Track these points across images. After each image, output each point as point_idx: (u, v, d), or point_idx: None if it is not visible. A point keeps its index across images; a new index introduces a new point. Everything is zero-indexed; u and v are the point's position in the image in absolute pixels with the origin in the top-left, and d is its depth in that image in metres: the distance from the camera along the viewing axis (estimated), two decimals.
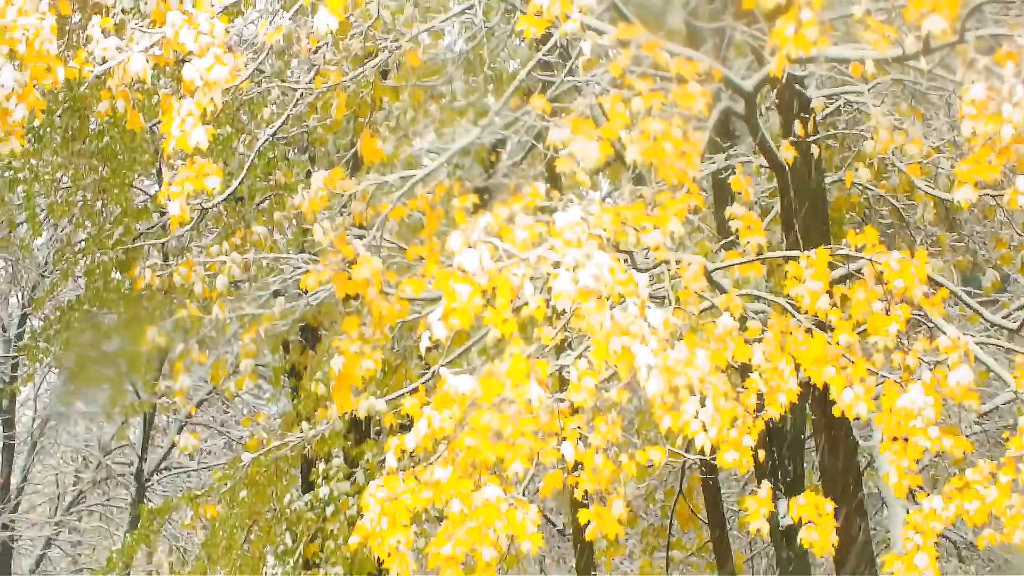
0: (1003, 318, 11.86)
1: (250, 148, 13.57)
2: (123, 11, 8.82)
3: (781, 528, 11.72)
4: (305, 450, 14.11)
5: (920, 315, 9.23)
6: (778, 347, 8.63)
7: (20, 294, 26.83)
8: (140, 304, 15.11)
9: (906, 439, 8.44)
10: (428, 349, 8.05)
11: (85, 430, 30.34)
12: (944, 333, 8.81)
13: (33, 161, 14.72)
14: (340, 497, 14.65)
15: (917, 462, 8.55)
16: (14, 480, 28.25)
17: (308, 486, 15.36)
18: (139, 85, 8.73)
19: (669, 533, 16.39)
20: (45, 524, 29.64)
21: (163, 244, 15.06)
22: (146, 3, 8.84)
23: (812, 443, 12.41)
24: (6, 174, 15.10)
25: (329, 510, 14.65)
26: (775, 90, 11.28)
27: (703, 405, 8.09)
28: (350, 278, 9.59)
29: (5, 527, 27.69)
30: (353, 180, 10.30)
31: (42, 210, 16.38)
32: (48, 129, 14.26)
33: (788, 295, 8.83)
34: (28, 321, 25.97)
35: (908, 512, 8.86)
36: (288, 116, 12.07)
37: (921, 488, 8.91)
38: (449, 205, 9.64)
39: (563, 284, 7.74)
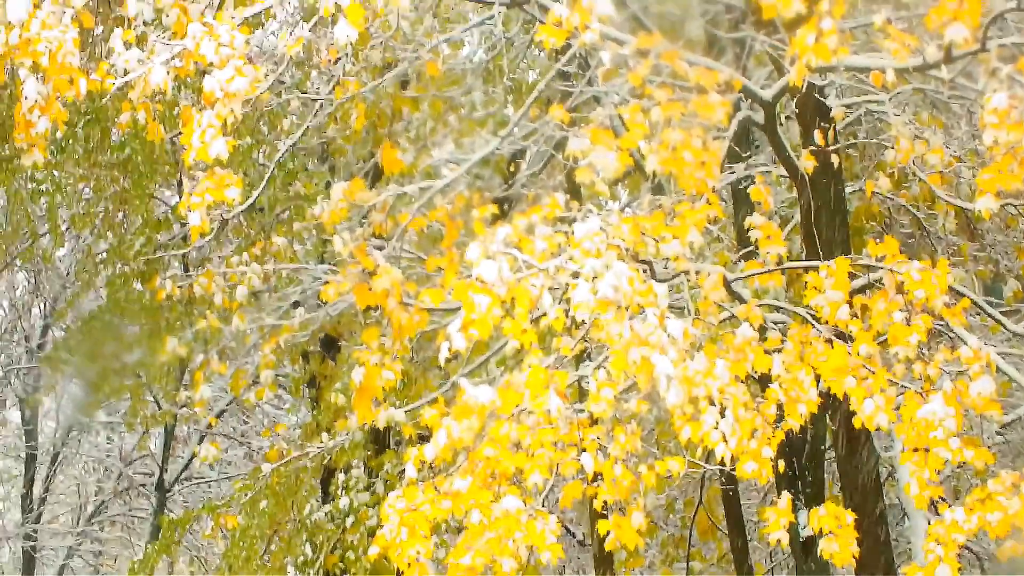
0: None
1: (270, 159, 13.59)
2: (144, 23, 8.82)
3: (801, 539, 11.70)
4: (325, 461, 14.13)
5: (941, 325, 9.20)
6: (798, 357, 8.60)
7: (42, 305, 26.92)
8: (161, 315, 15.12)
9: (927, 450, 8.40)
10: (447, 360, 8.05)
11: (106, 440, 30.40)
12: (966, 343, 8.76)
13: (55, 172, 14.76)
14: (360, 508, 14.67)
15: (938, 473, 8.50)
16: (37, 490, 28.32)
17: (328, 497, 15.37)
18: (160, 97, 8.75)
19: (689, 544, 16.36)
20: (67, 534, 29.69)
21: (183, 255, 15.09)
22: (167, 15, 8.84)
23: (832, 454, 12.37)
24: (29, 185, 15.15)
25: (349, 521, 14.67)
26: (795, 99, 11.26)
27: (723, 416, 8.08)
28: (370, 289, 9.60)
29: (28, 537, 27.76)
30: (373, 191, 10.31)
31: (64, 221, 16.43)
32: (70, 141, 14.30)
33: (808, 305, 8.80)
34: (50, 331, 26.06)
35: (930, 523, 8.82)
36: (308, 127, 12.09)
37: (943, 499, 8.86)
38: (468, 216, 9.64)
39: (582, 295, 7.74)
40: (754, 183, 9.98)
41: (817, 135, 10.54)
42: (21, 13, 8.00)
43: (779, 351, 8.65)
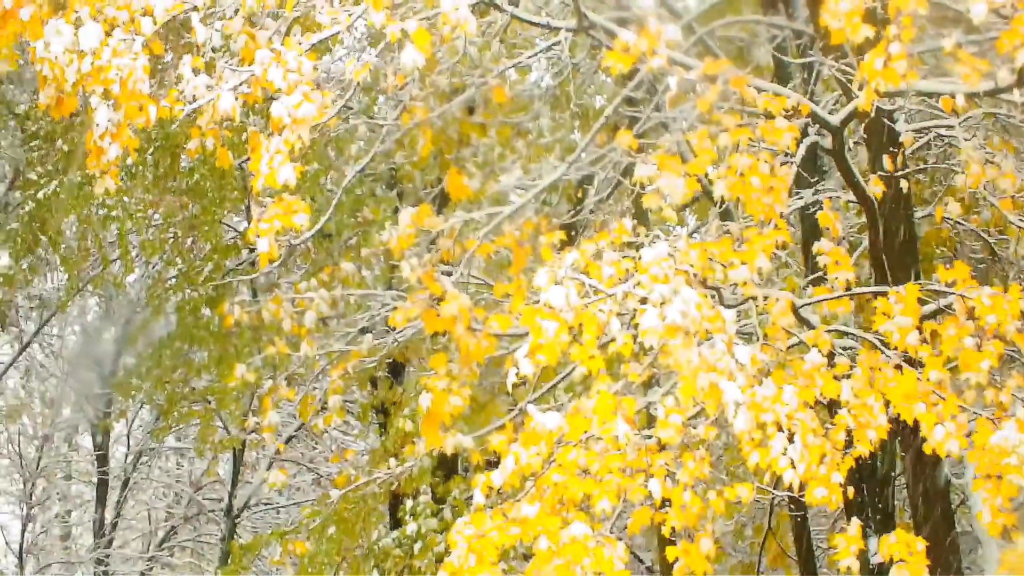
0: None
1: (338, 185, 13.65)
2: (213, 50, 8.89)
3: (872, 566, 11.58)
4: (393, 487, 14.12)
5: (1013, 351, 9.11)
6: (867, 383, 8.53)
7: (113, 330, 27.13)
8: (229, 340, 15.22)
9: (1000, 477, 8.31)
10: (515, 386, 8.04)
11: (176, 466, 30.59)
12: None
13: (126, 199, 14.90)
14: (428, 534, 14.66)
15: (1011, 500, 8.42)
16: (108, 515, 28.53)
17: (396, 523, 15.38)
18: (228, 123, 8.81)
19: (758, 570, 16.26)
20: (138, 559, 29.87)
21: (252, 280, 15.17)
22: (235, 42, 8.92)
23: (902, 480, 12.26)
24: (100, 212, 15.30)
25: (417, 547, 14.66)
26: (863, 124, 11.20)
27: (791, 441, 8.02)
28: (438, 315, 9.61)
29: (100, 562, 27.96)
30: (440, 217, 10.33)
31: (134, 247, 16.58)
32: (140, 167, 14.43)
33: (877, 331, 8.73)
34: (121, 357, 26.26)
35: (1002, 551, 8.73)
36: (375, 153, 12.13)
37: (1016, 527, 8.76)
38: (536, 242, 9.65)
39: (650, 320, 7.72)
40: (822, 208, 9.93)
41: (886, 160, 10.48)
42: (93, 41, 8.10)
43: (848, 377, 8.58)
